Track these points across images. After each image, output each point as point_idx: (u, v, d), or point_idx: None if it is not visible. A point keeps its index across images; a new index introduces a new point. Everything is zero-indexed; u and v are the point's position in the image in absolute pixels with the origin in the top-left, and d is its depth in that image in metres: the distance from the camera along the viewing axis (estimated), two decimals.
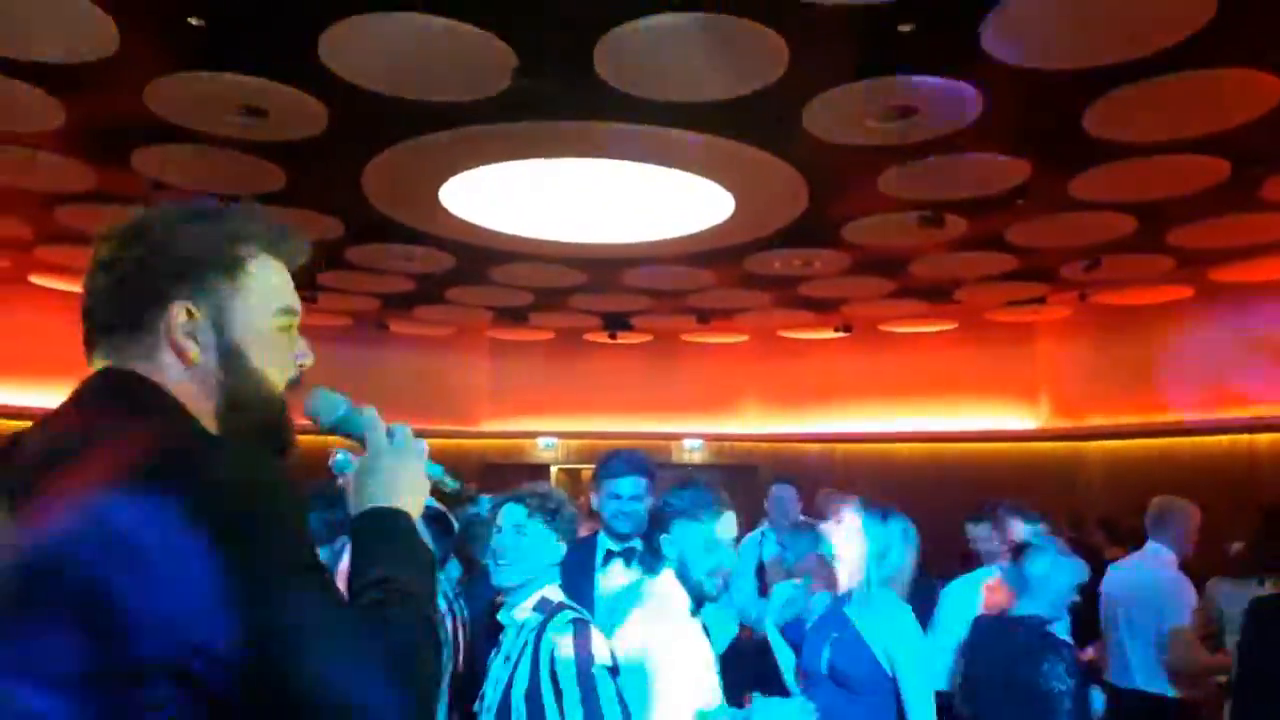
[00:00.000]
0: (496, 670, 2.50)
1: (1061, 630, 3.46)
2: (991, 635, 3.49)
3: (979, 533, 4.99)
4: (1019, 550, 3.53)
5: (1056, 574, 3.40)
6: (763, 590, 4.90)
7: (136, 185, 6.33)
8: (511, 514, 2.60)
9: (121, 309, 1.09)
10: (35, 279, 9.19)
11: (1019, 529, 4.13)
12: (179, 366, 1.08)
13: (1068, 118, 5.19)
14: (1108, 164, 5.84)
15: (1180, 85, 4.72)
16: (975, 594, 4.05)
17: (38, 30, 4.35)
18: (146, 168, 6.07)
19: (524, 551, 2.54)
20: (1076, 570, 3.51)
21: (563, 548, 2.59)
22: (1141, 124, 5.25)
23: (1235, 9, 4.01)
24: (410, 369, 11.91)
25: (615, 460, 3.34)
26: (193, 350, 1.08)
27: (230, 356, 1.10)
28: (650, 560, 2.69)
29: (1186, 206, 6.57)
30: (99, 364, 1.10)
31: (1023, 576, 3.44)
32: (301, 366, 1.19)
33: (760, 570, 5.18)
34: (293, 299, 1.18)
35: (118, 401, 1.05)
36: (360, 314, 10.60)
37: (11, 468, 1.00)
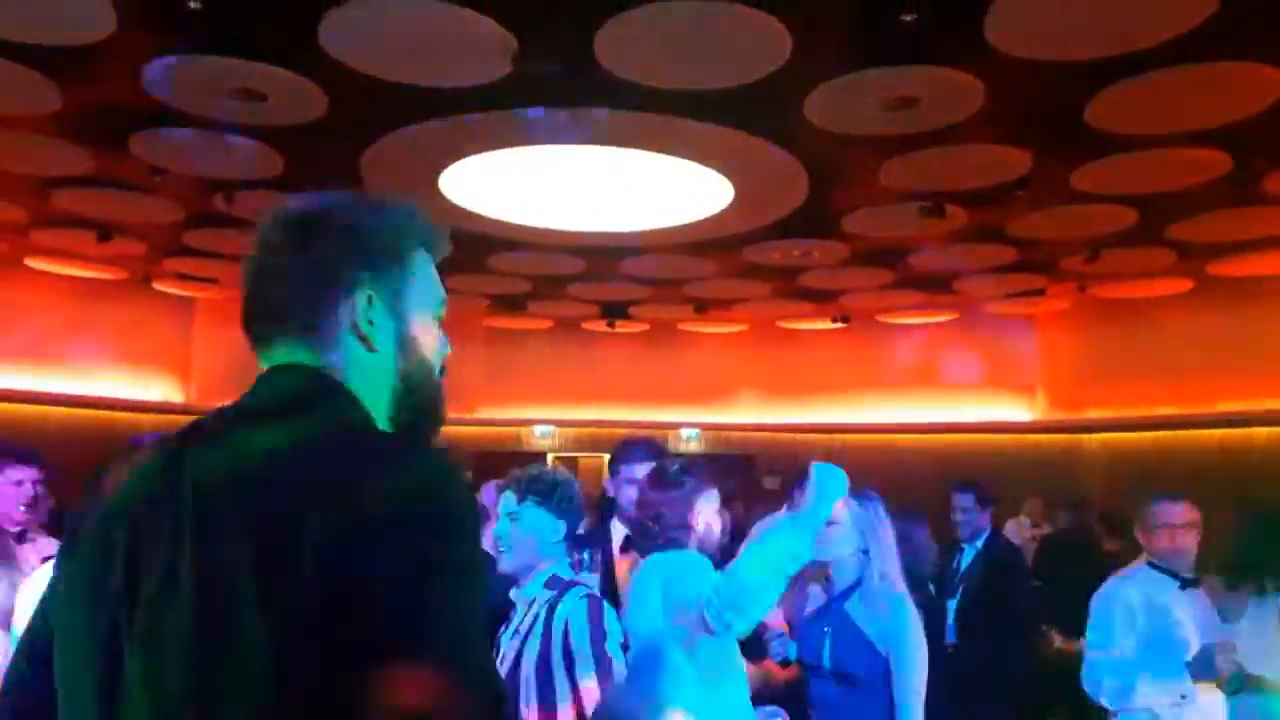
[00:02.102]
0: (504, 645, 2.51)
1: None
2: None
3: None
4: None
5: None
6: None
7: (135, 170, 6.30)
8: (505, 502, 2.60)
9: (308, 295, 1.10)
10: (31, 262, 9.15)
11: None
12: (361, 353, 1.11)
13: (1070, 109, 5.17)
14: (1109, 156, 5.82)
15: (1183, 78, 4.71)
16: (1127, 595, 3.49)
17: (34, 12, 4.32)
18: (144, 152, 6.04)
19: (520, 537, 2.55)
20: None
21: (562, 525, 2.58)
22: (1143, 117, 5.23)
23: (1238, 4, 3.99)
24: None
25: (632, 446, 3.35)
26: (375, 337, 1.11)
27: (405, 344, 1.14)
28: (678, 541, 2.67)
29: (1187, 200, 6.55)
30: (280, 353, 1.10)
31: None
32: (444, 355, 1.23)
33: None
34: (443, 291, 1.23)
35: (311, 411, 1.05)
36: None
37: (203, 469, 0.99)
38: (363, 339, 1.10)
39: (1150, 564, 3.49)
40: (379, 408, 1.12)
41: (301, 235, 1.11)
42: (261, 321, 1.12)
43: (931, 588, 4.55)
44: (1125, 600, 3.47)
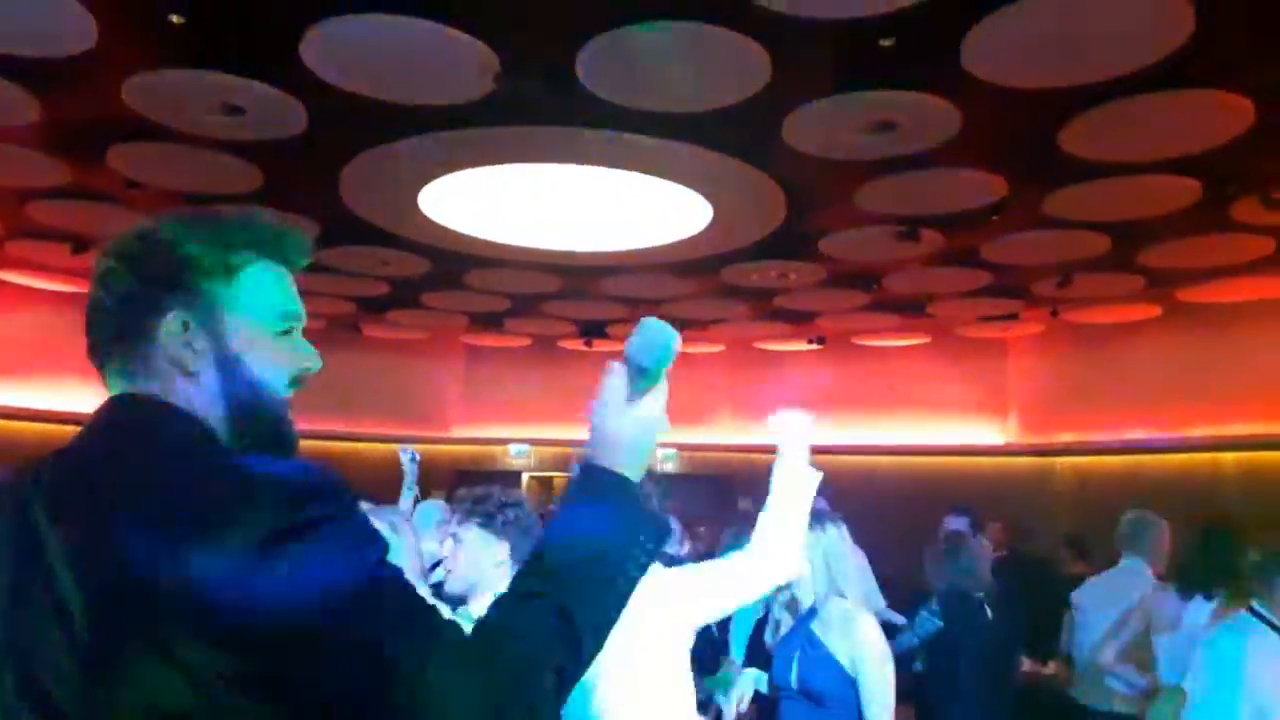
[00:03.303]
0: None
1: None
2: None
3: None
4: None
5: None
6: None
7: (112, 182, 6.27)
8: (451, 522, 2.61)
9: (119, 323, 1.09)
10: (5, 275, 9.06)
11: None
12: (180, 378, 1.08)
13: (1043, 136, 5.26)
14: (1082, 183, 5.91)
15: (1155, 106, 4.80)
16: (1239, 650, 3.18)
17: (15, 25, 4.30)
18: (122, 165, 6.01)
19: (463, 558, 2.54)
20: None
21: (505, 547, 2.56)
22: (1116, 144, 5.32)
23: (1210, 32, 4.08)
24: (383, 373, 11.84)
25: None
26: (190, 361, 1.08)
27: (228, 365, 1.10)
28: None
29: (1158, 227, 6.66)
30: (111, 384, 1.10)
31: None
32: (307, 371, 1.18)
33: None
34: (292, 304, 1.17)
35: (140, 437, 1.04)
36: (333, 317, 10.54)
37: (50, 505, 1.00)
38: (177, 364, 1.07)
39: (1257, 615, 3.19)
40: (222, 432, 1.09)
41: (113, 266, 1.10)
42: (91, 356, 1.12)
43: (988, 610, 4.53)
44: (1234, 656, 3.16)
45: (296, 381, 1.17)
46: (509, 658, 0.96)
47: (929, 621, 4.34)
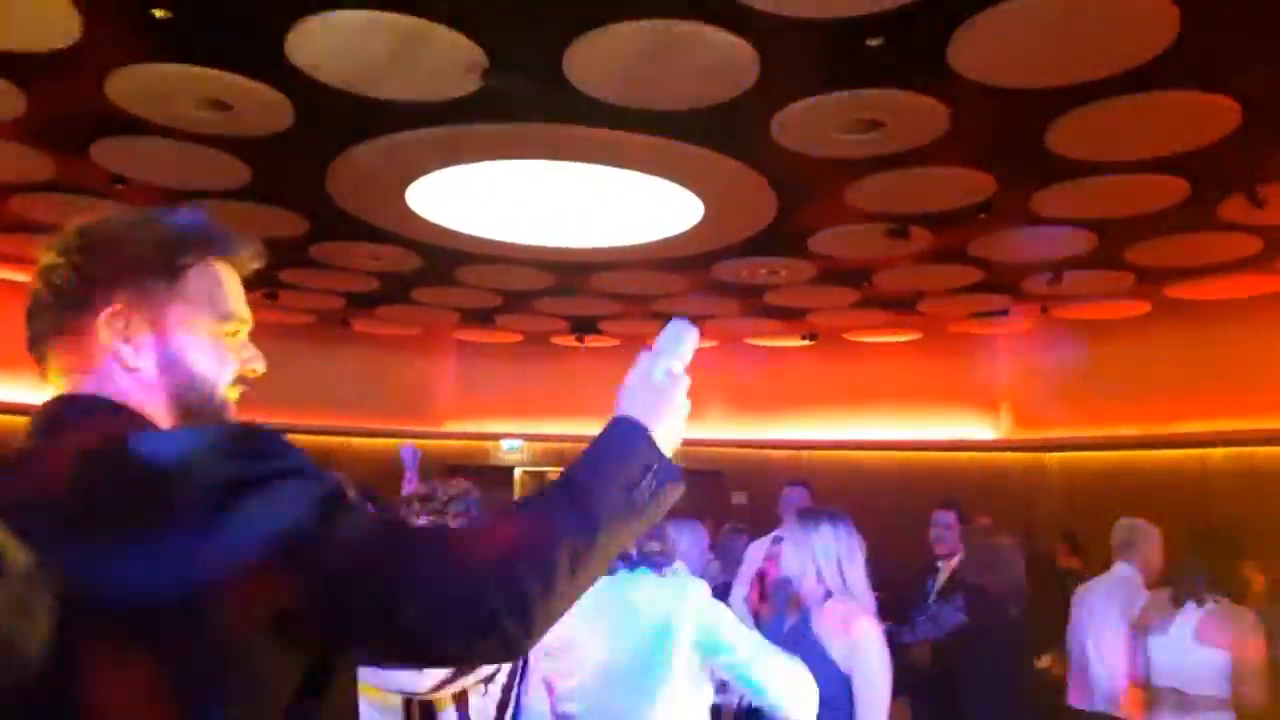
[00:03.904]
0: None
1: None
2: None
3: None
4: None
5: None
6: (762, 596, 4.92)
7: (96, 177, 6.24)
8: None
9: (59, 316, 1.10)
10: None
11: None
12: (119, 372, 1.09)
13: (1031, 135, 5.26)
14: (1070, 181, 5.91)
15: (1141, 106, 4.80)
16: None
17: None
18: (107, 160, 5.98)
19: None
20: None
21: None
22: (1103, 143, 5.33)
23: (1196, 33, 4.08)
24: (373, 369, 11.82)
25: None
26: (129, 356, 1.09)
27: (168, 362, 1.11)
28: (658, 560, 2.66)
29: (1146, 225, 6.67)
30: (53, 378, 1.11)
31: None
32: (251, 372, 1.19)
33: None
34: (237, 305, 1.18)
35: (78, 435, 1.04)
36: (323, 312, 10.50)
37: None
38: (117, 359, 1.09)
39: None
40: (163, 426, 1.10)
41: (55, 261, 1.11)
42: (31, 350, 1.13)
43: (1013, 610, 4.53)
44: None
45: (240, 381, 1.18)
46: (520, 527, 0.99)
47: (953, 615, 4.37)
